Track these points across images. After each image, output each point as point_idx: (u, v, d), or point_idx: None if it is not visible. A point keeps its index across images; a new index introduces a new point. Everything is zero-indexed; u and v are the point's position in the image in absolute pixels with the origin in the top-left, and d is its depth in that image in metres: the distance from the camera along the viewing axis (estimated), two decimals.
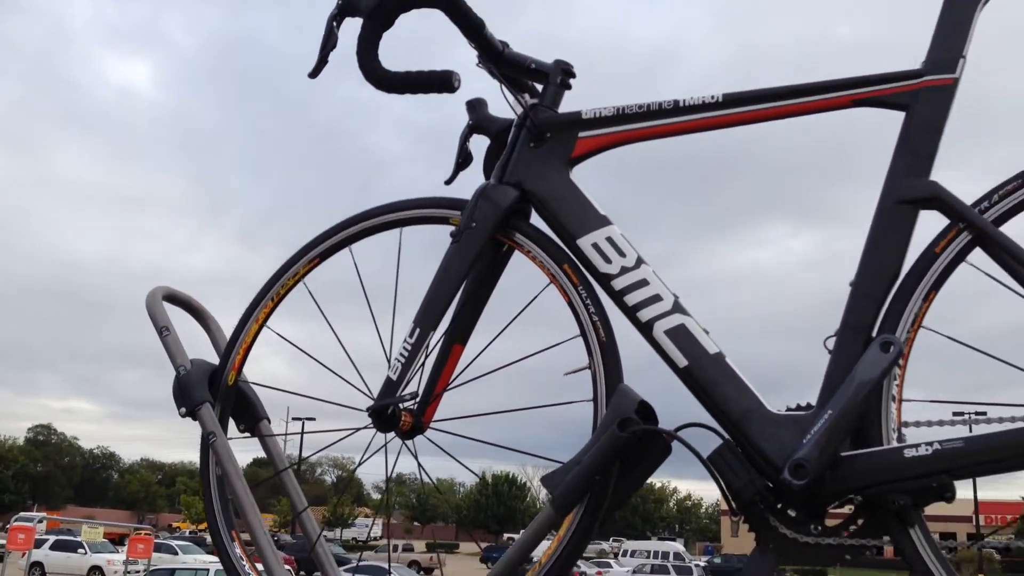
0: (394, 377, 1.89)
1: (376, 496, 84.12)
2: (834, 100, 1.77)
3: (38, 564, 35.00)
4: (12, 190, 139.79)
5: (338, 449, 2.06)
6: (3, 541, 47.82)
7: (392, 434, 1.92)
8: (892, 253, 1.66)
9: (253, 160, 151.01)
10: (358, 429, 1.93)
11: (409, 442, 1.96)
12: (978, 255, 1.63)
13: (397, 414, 1.89)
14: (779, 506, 1.63)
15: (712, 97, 1.84)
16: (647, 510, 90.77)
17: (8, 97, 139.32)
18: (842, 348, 1.65)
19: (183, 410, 2.04)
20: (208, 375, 2.10)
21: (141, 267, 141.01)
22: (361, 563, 31.46)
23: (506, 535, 79.54)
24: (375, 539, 71.35)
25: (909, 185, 1.67)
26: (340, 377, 1.97)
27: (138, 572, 23.04)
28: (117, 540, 46.16)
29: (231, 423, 2.16)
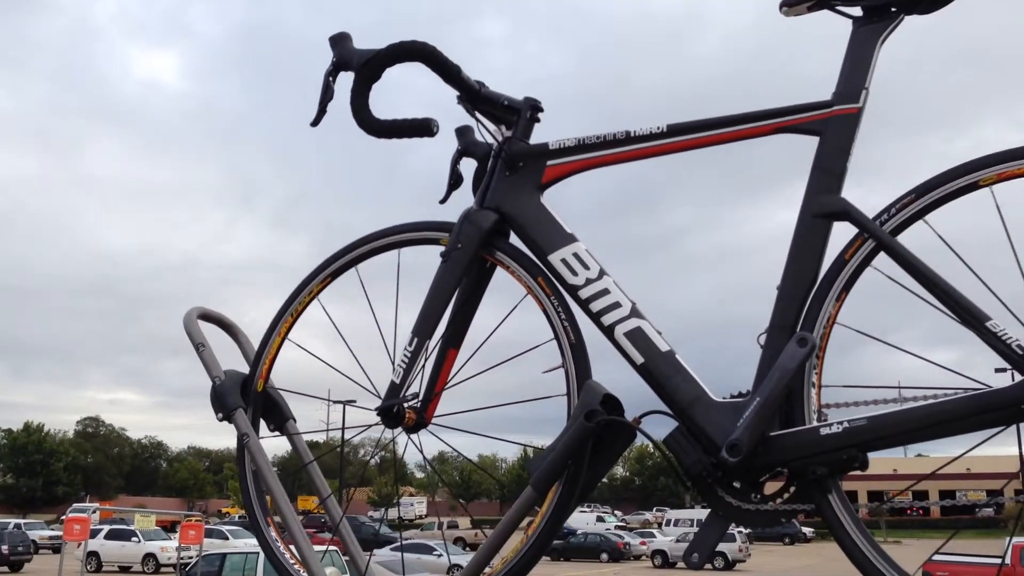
0: (397, 380, 2.21)
1: (420, 475, 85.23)
2: (760, 128, 2.04)
3: (94, 554, 36.12)
4: (47, 188, 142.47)
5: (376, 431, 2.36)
6: (59, 532, 49.27)
7: (399, 429, 2.24)
8: (810, 260, 1.94)
9: (281, 146, 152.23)
10: (368, 427, 2.26)
11: (414, 436, 2.27)
12: (883, 259, 1.90)
13: (402, 412, 2.20)
14: (723, 479, 1.92)
15: (658, 128, 2.11)
16: None
17: (37, 96, 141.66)
18: (770, 343, 1.93)
19: (220, 415, 2.37)
20: (240, 383, 2.43)
21: (177, 258, 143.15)
22: (407, 541, 32.18)
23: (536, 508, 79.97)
24: (420, 518, 72.45)
25: (823, 201, 1.94)
26: (352, 380, 2.29)
27: (191, 558, 23.72)
28: (168, 527, 47.39)
29: (262, 424, 2.49)
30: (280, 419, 2.53)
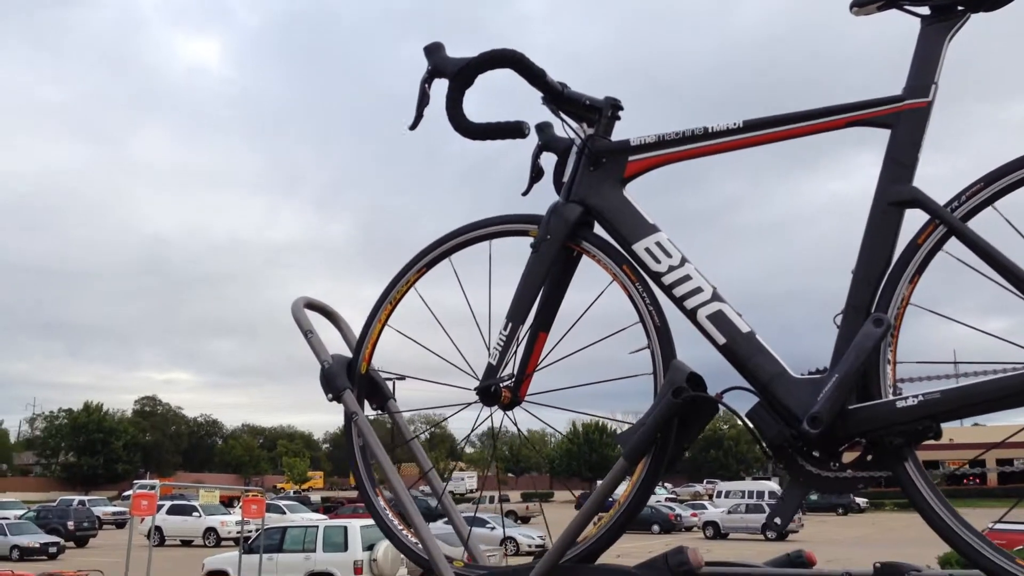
0: (494, 362, 2.39)
1: (469, 450, 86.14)
2: (833, 122, 2.17)
3: (157, 528, 37.24)
4: (97, 175, 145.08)
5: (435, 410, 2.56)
6: (121, 508, 50.61)
7: (496, 406, 2.42)
8: (883, 245, 2.07)
9: (322, 131, 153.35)
10: (468, 404, 2.45)
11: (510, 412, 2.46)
12: (954, 244, 2.02)
13: (498, 391, 2.38)
14: (804, 449, 2.08)
15: (734, 124, 2.26)
16: (740, 451, 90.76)
17: (84, 88, 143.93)
18: (847, 324, 2.07)
19: (330, 396, 2.58)
20: (345, 366, 2.63)
21: (223, 240, 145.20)
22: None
23: (599, 482, 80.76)
24: (471, 492, 73.27)
25: (895, 191, 2.07)
26: (450, 363, 2.48)
27: (251, 531, 24.39)
28: (228, 503, 48.59)
29: (366, 403, 2.70)
30: (382, 399, 2.73)
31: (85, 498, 55.16)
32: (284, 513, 38.91)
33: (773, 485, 55.35)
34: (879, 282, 2.06)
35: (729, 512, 43.65)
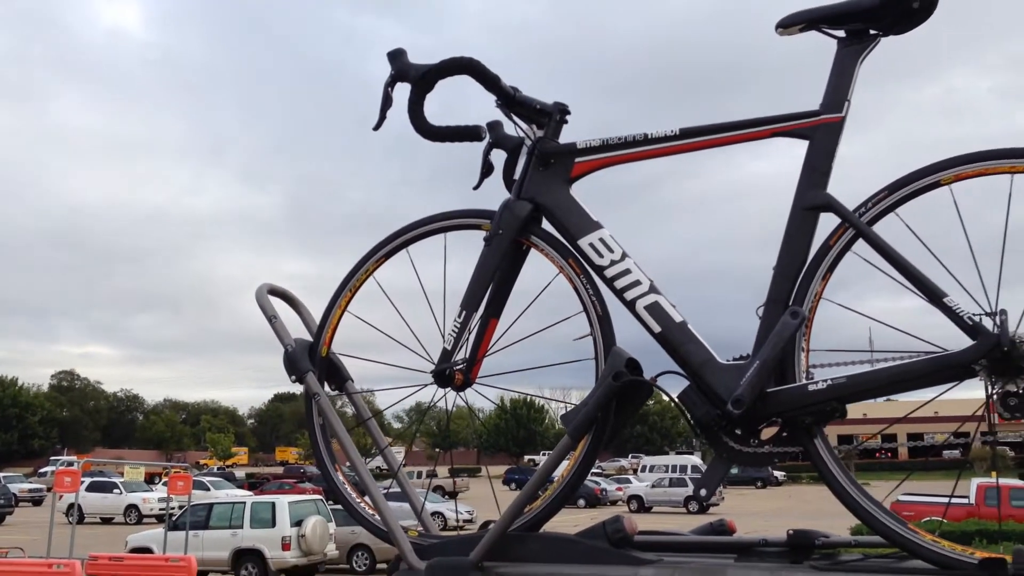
0: (448, 347, 2.59)
1: (397, 426, 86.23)
2: (759, 132, 2.41)
3: (77, 506, 36.58)
4: (14, 141, 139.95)
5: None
6: (38, 485, 49.37)
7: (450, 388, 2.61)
8: (800, 245, 2.32)
9: (250, 98, 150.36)
10: (424, 386, 2.64)
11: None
12: (862, 245, 2.28)
13: (452, 374, 2.58)
14: (727, 427, 2.32)
15: (672, 131, 2.48)
16: (664, 426, 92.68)
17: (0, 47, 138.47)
18: (767, 315, 2.32)
19: (293, 377, 2.73)
20: (306, 350, 2.79)
21: (148, 211, 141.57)
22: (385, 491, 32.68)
23: (527, 457, 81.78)
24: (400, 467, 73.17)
25: (811, 196, 2.32)
26: (408, 348, 2.66)
27: (176, 509, 24.15)
28: (148, 479, 47.78)
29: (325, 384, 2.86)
30: (340, 380, 2.90)
31: (0, 475, 53.67)
32: (208, 490, 38.45)
33: (696, 459, 56.80)
34: (796, 278, 2.31)
35: (653, 486, 44.67)
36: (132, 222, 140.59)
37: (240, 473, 64.85)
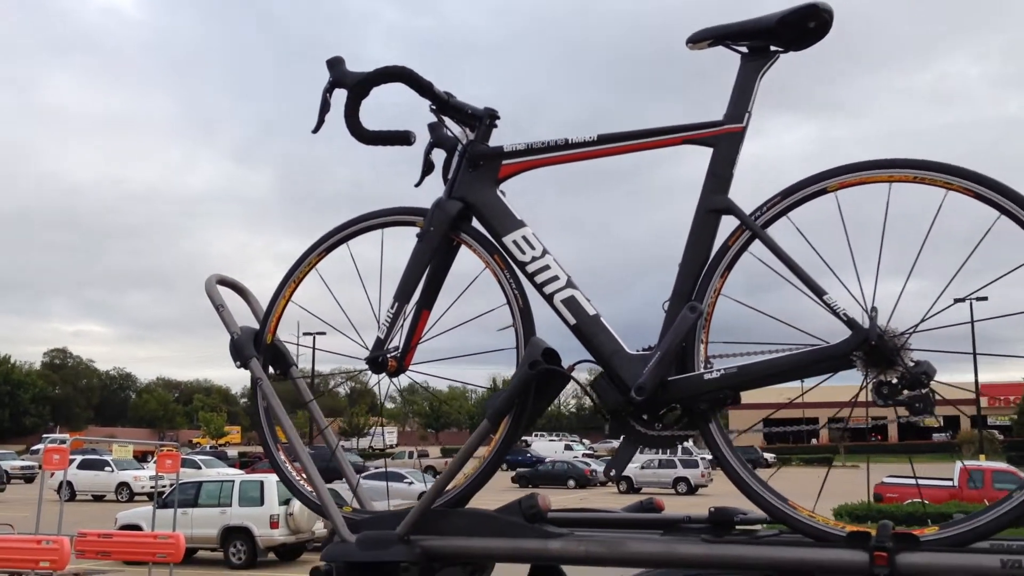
0: (382, 336, 2.77)
1: (390, 406, 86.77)
2: (670, 140, 2.59)
3: (68, 483, 36.82)
4: (6, 118, 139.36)
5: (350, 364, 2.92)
6: (30, 463, 49.59)
7: (384, 374, 2.80)
8: (703, 245, 2.50)
9: (242, 77, 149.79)
10: (358, 371, 2.83)
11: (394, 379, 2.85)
12: (758, 246, 2.46)
13: (385, 361, 2.76)
14: (634, 413, 2.51)
15: (590, 137, 2.65)
16: None
17: None
18: (671, 309, 2.50)
19: (238, 363, 2.92)
20: (252, 337, 2.97)
21: (140, 190, 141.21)
22: (378, 470, 33.26)
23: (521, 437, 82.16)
24: (391, 447, 73.87)
25: (714, 200, 2.50)
26: (346, 336, 2.85)
27: (165, 486, 24.39)
28: (141, 457, 48.08)
29: (270, 370, 3.05)
30: (285, 366, 3.08)
31: None
32: (200, 468, 38.75)
33: (686, 443, 57.29)
34: (698, 275, 2.50)
35: (643, 467, 45.04)
36: (124, 200, 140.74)
37: (232, 452, 65.26)
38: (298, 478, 2.91)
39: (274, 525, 19.89)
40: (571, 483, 46.60)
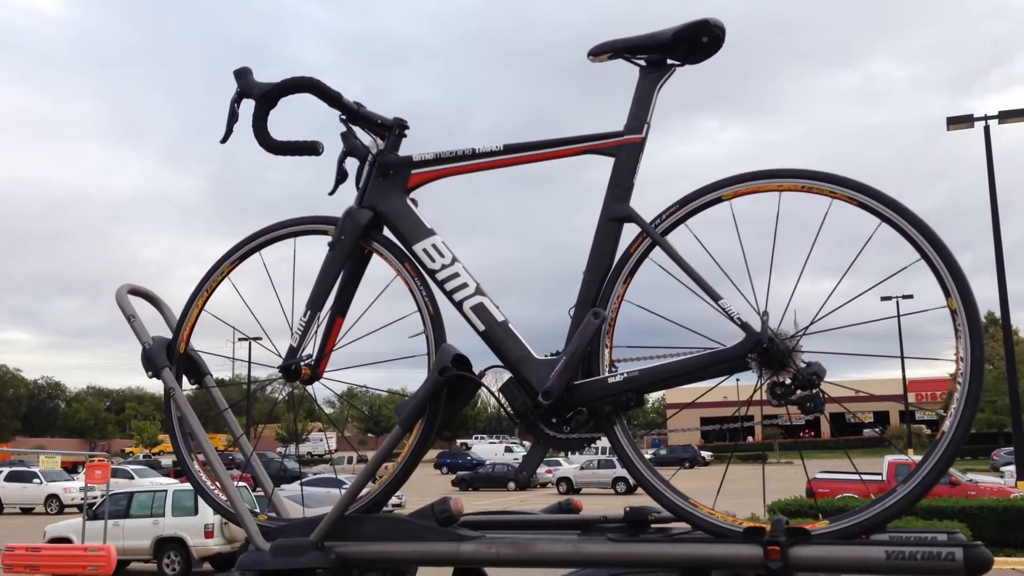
0: (295, 344, 2.79)
1: (329, 411, 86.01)
2: (573, 150, 2.66)
3: None
4: None
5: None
6: None
7: (298, 382, 2.82)
8: (605, 252, 2.58)
9: (171, 78, 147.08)
10: (271, 380, 2.84)
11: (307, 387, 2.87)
12: (658, 253, 2.54)
13: (299, 369, 2.78)
14: (542, 416, 2.57)
15: (497, 146, 2.71)
16: None
17: None
18: (576, 315, 2.57)
19: (150, 373, 2.91)
20: (165, 347, 2.97)
21: (63, 194, 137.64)
22: (316, 476, 32.95)
23: (459, 440, 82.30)
24: (331, 453, 73.10)
25: (615, 208, 2.57)
26: (260, 343, 2.86)
27: (96, 498, 23.85)
28: (71, 468, 46.88)
29: (185, 380, 3.04)
30: (199, 375, 3.08)
31: None
32: (132, 478, 37.93)
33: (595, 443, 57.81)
34: (602, 282, 2.57)
35: (582, 468, 45.37)
36: (48, 204, 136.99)
37: (167, 461, 63.96)
38: (212, 487, 2.92)
39: (209, 535, 19.60)
40: (511, 485, 46.69)
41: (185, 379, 3.05)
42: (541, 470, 49.57)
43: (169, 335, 3.05)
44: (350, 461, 56.88)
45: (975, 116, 25.75)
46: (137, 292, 3.13)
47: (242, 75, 2.79)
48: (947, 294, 2.26)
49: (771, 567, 2.21)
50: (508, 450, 65.50)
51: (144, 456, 73.70)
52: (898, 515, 2.24)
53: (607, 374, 2.53)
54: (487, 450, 65.38)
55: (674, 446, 62.41)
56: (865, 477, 23.42)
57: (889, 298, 29.84)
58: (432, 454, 70.80)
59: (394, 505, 28.43)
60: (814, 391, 2.33)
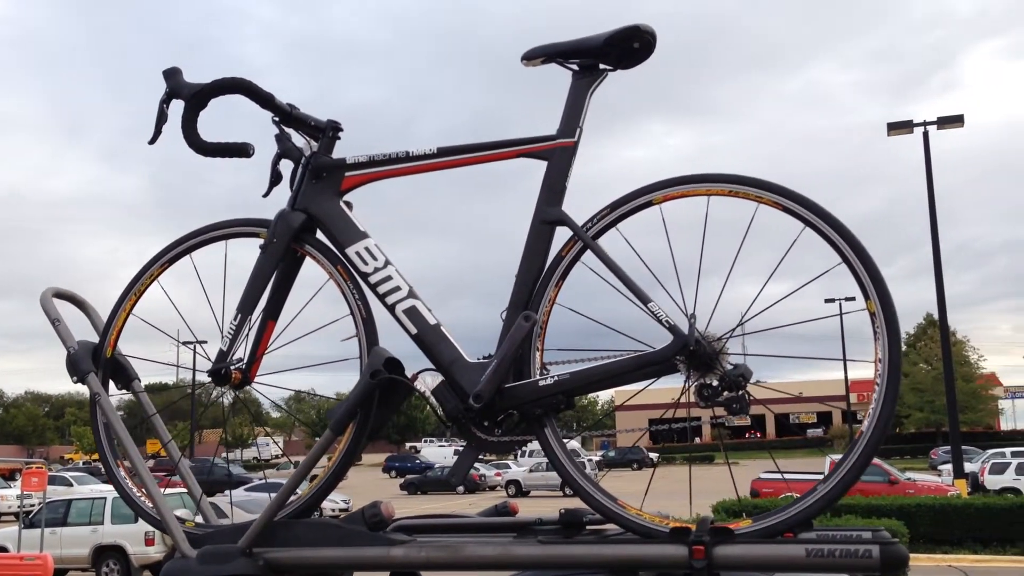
0: (224, 348, 2.75)
1: (275, 415, 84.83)
2: (507, 153, 2.66)
3: None
4: None
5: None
6: None
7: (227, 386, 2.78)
8: (537, 256, 2.59)
9: (112, 76, 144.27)
10: (202, 385, 2.80)
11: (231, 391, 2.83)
12: (589, 256, 2.56)
13: (229, 373, 2.75)
14: (474, 419, 2.57)
15: (430, 149, 2.71)
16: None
17: None
18: (508, 319, 2.57)
19: (75, 378, 2.85)
20: (91, 351, 2.91)
21: (1, 193, 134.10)
22: (262, 481, 32.49)
23: (408, 444, 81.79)
24: (276, 457, 72.19)
25: (547, 211, 2.58)
26: (187, 347, 2.82)
27: (33, 506, 23.28)
28: (7, 475, 45.67)
29: (112, 384, 2.98)
30: (127, 379, 3.03)
31: None
32: (71, 485, 37.09)
33: (574, 444, 58.07)
34: (534, 285, 2.58)
35: (531, 471, 45.38)
36: None
37: None
38: (138, 494, 2.87)
39: (149, 542, 19.21)
40: (460, 488, 46.56)
41: (112, 384, 2.99)
42: (490, 473, 49.60)
43: (97, 339, 2.99)
44: (296, 466, 56.05)
45: (914, 122, 26.33)
46: (63, 296, 3.06)
47: (171, 75, 2.75)
48: (867, 297, 2.31)
49: (695, 566, 2.23)
50: (456, 454, 65.28)
51: (84, 463, 72.03)
52: (819, 513, 2.28)
53: (538, 377, 2.54)
54: (436, 453, 65.15)
55: (623, 448, 62.87)
56: (808, 477, 23.82)
57: (832, 300, 30.38)
58: (380, 458, 70.34)
59: (341, 511, 28.20)
60: (739, 392, 2.36)
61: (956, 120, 26.33)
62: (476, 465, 54.45)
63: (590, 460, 45.56)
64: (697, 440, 68.81)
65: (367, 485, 49.53)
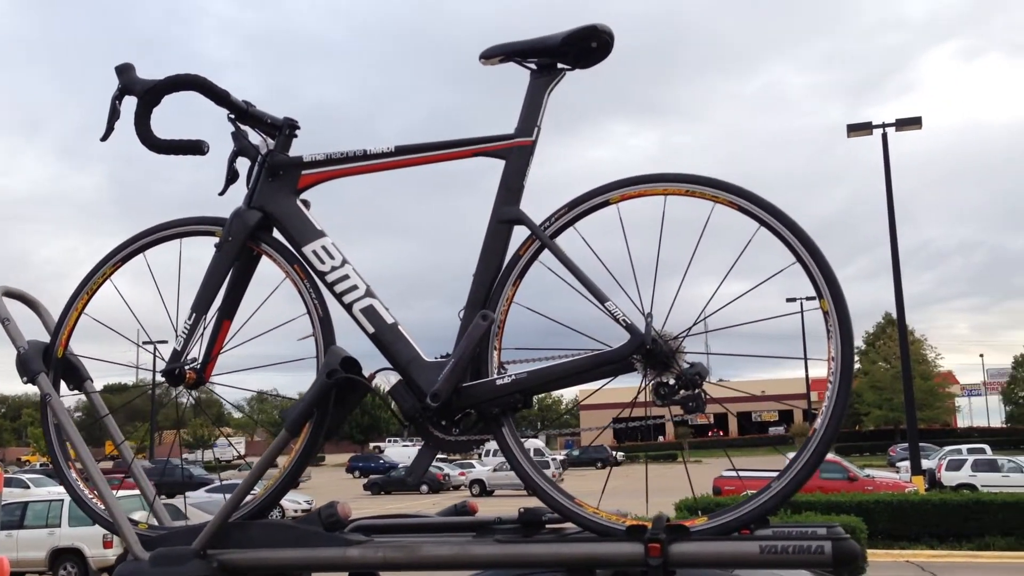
0: (178, 348, 2.72)
1: (237, 415, 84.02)
2: (463, 152, 2.66)
3: None
4: None
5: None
6: None
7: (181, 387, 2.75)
8: (495, 255, 2.58)
9: (68, 71, 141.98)
10: (157, 385, 2.76)
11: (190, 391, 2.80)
12: (547, 255, 2.56)
13: (183, 373, 2.71)
14: (431, 418, 2.56)
15: (388, 148, 2.69)
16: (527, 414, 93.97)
17: None
18: (466, 318, 2.57)
19: (25, 379, 2.80)
20: (41, 351, 2.86)
21: None
22: (223, 482, 32.15)
23: (372, 444, 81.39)
24: (237, 458, 71.53)
25: (505, 211, 2.58)
26: (140, 346, 2.78)
27: None
28: None
29: (64, 385, 2.93)
30: (79, 380, 2.97)
31: None
32: (28, 487, 36.41)
33: (539, 443, 58.23)
34: (492, 284, 2.57)
35: (495, 470, 45.37)
36: None
37: None
38: (90, 496, 2.82)
39: (107, 545, 18.92)
40: (424, 488, 46.47)
41: (64, 385, 2.94)
42: (454, 472, 49.53)
43: (47, 339, 2.93)
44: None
45: (873, 124, 26.71)
46: (13, 295, 3.00)
47: (124, 71, 2.71)
48: (820, 296, 2.33)
49: (651, 564, 2.24)
50: None
51: (41, 464, 70.82)
52: (773, 510, 2.30)
53: (495, 376, 2.53)
54: (400, 453, 64.86)
55: (587, 447, 63.15)
56: (768, 474, 24.08)
57: (794, 299, 30.71)
58: (344, 458, 69.95)
59: (303, 511, 28.00)
60: (696, 391, 2.37)
61: (914, 122, 26.73)
62: (440, 465, 54.56)
63: (554, 459, 45.70)
64: (660, 439, 69.23)
65: (330, 485, 49.27)
